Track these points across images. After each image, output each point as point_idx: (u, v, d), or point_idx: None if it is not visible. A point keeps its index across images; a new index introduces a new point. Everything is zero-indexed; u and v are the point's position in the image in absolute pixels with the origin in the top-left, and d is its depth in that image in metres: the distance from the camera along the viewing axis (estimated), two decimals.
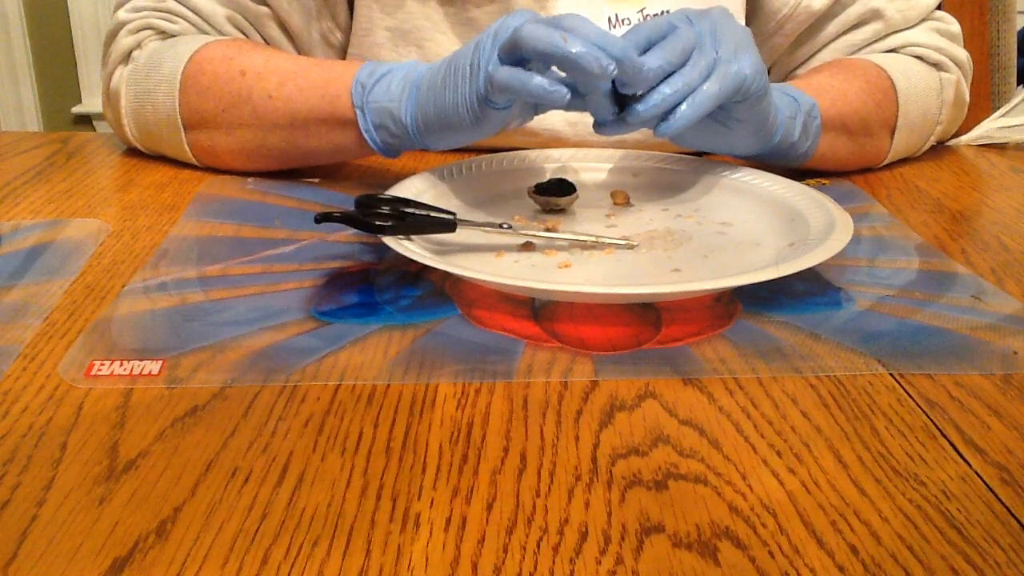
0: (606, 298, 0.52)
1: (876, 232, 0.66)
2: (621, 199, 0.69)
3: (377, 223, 0.55)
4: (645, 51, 0.58)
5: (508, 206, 0.68)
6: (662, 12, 0.79)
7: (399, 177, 0.66)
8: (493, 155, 0.72)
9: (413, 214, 0.56)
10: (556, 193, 0.66)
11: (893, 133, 0.79)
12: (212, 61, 0.72)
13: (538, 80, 0.56)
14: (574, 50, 0.54)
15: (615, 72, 0.55)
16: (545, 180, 0.68)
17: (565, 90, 0.56)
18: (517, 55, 0.58)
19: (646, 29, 0.59)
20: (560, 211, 0.67)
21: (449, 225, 0.57)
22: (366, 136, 0.67)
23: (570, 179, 0.68)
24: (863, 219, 0.68)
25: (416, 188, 0.64)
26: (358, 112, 0.67)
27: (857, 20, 0.83)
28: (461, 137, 0.64)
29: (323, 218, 0.56)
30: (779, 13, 0.83)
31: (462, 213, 0.59)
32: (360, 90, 0.66)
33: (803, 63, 0.87)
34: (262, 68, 0.71)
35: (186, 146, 0.75)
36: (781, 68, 0.90)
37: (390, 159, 0.71)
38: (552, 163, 0.73)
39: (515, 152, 0.73)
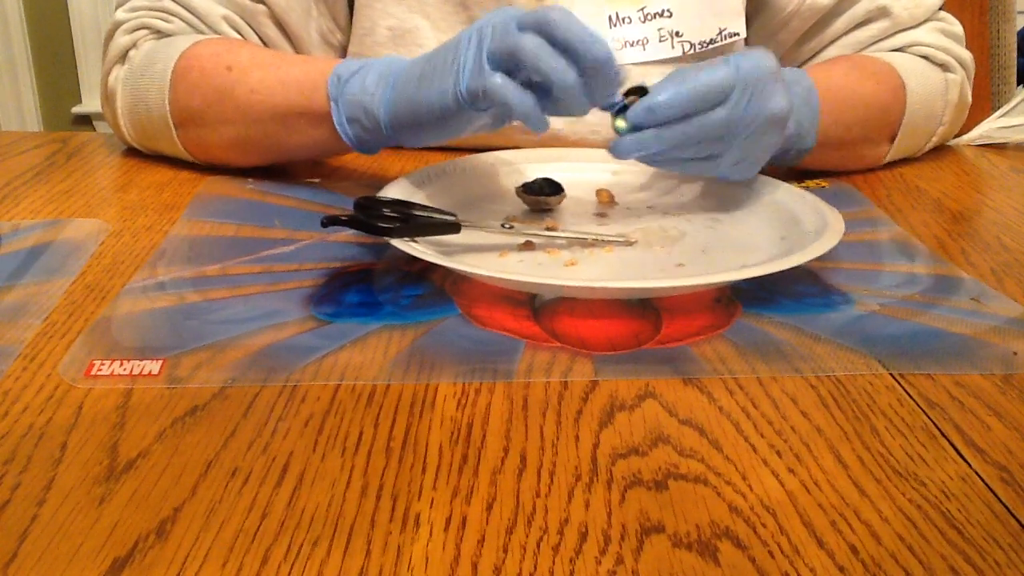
0: (623, 293, 0.53)
1: (876, 235, 0.66)
2: (606, 197, 0.69)
3: (383, 226, 0.55)
4: (684, 117, 0.60)
5: (494, 205, 0.68)
6: (663, 11, 0.80)
7: (398, 177, 0.66)
8: (476, 155, 0.72)
9: (417, 216, 0.56)
10: (544, 192, 0.66)
11: (895, 135, 0.79)
12: (201, 57, 0.72)
13: (531, 101, 0.57)
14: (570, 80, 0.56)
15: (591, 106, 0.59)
16: (531, 179, 0.68)
17: (548, 123, 0.58)
18: (511, 63, 0.57)
19: (698, 92, 0.60)
20: (548, 210, 0.67)
21: (453, 227, 0.57)
22: (339, 130, 0.67)
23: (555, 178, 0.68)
24: (864, 223, 0.68)
25: (405, 188, 0.64)
26: (332, 105, 0.66)
27: (864, 17, 0.83)
28: (431, 135, 0.63)
29: (330, 221, 0.56)
30: (784, 9, 0.83)
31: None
32: (336, 82, 0.66)
33: (809, 59, 0.87)
34: (247, 63, 0.71)
35: (178, 143, 0.75)
36: (787, 64, 0.89)
37: (368, 155, 0.71)
38: (533, 163, 0.73)
39: (494, 152, 0.73)
